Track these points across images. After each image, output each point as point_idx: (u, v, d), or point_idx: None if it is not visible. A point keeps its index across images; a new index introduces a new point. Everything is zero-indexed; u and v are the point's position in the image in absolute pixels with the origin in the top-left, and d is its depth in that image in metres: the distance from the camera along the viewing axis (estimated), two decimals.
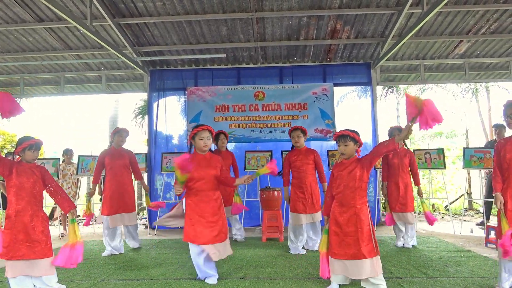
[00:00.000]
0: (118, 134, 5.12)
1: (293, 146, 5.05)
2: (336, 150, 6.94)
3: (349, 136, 3.16)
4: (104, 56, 7.37)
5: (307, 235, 4.98)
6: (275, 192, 5.69)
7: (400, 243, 5.10)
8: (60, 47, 7.09)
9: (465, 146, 8.94)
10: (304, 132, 4.92)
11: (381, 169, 6.38)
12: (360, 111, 7.69)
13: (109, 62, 7.67)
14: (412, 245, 5.07)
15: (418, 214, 7.22)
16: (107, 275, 3.93)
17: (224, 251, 3.58)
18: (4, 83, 8.55)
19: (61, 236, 6.71)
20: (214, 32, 6.69)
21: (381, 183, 5.29)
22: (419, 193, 5.10)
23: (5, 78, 8.26)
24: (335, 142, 7.15)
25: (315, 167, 4.97)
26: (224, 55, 7.14)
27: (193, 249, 3.52)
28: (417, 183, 5.10)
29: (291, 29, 6.66)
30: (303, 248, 4.91)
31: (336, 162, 4.82)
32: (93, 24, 5.68)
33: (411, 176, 5.10)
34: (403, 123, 14.83)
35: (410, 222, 4.97)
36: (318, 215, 4.88)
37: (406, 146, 5.23)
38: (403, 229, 5.07)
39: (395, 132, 4.98)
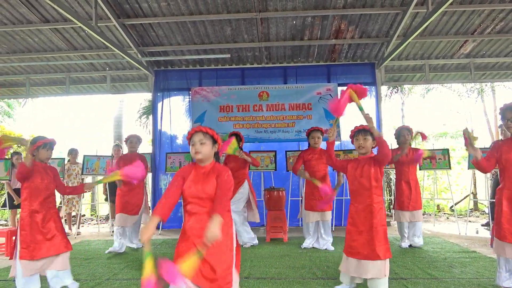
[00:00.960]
0: (128, 141, 5.34)
1: (309, 145, 5.11)
2: (341, 150, 6.94)
3: (369, 131, 3.15)
4: (109, 56, 7.40)
5: (318, 235, 5.06)
6: (279, 192, 5.69)
7: (405, 244, 5.07)
8: (65, 48, 7.14)
9: None
10: (323, 133, 5.02)
11: (385, 169, 6.37)
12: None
13: (114, 62, 7.71)
14: (420, 245, 5.05)
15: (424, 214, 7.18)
16: (112, 274, 3.96)
17: None
18: (10, 83, 8.62)
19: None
20: (219, 32, 6.70)
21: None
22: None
23: (11, 79, 8.32)
24: (339, 142, 7.22)
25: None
26: (228, 55, 7.15)
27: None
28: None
29: (295, 29, 6.65)
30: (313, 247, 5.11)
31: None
32: (98, 24, 5.70)
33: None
34: (407, 123, 14.78)
35: (420, 220, 5.01)
36: (328, 214, 4.96)
37: (412, 145, 5.17)
38: (406, 230, 5.07)
39: (403, 132, 4.98)
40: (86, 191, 3.67)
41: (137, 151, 5.48)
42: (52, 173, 3.49)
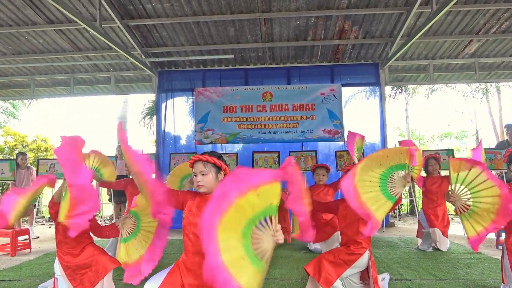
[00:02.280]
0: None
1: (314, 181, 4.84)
2: (344, 150, 6.92)
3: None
4: (113, 57, 7.43)
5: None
6: (283, 193, 5.67)
7: (427, 248, 4.90)
8: (69, 49, 7.18)
9: (475, 147, 8.79)
10: (328, 170, 4.71)
11: None
12: (368, 111, 7.65)
13: (118, 63, 7.74)
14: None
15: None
16: (115, 275, 3.95)
17: None
18: (15, 84, 8.67)
19: None
20: (222, 33, 6.71)
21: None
22: None
23: (16, 80, 8.37)
24: (343, 143, 7.19)
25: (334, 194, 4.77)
26: (232, 56, 7.15)
27: None
28: None
29: (298, 30, 6.64)
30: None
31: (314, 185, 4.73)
32: (102, 25, 5.73)
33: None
34: (411, 124, 14.72)
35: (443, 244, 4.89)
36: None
37: (439, 173, 5.06)
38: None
39: (431, 161, 4.90)
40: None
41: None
42: None
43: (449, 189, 3.03)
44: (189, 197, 2.19)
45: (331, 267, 2.76)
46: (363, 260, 2.86)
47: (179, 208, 2.18)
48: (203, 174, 2.15)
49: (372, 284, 2.83)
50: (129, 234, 2.67)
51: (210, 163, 2.16)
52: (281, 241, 1.65)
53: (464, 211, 2.88)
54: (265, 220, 1.56)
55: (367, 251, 2.88)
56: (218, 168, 2.18)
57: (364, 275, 2.99)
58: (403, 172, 2.65)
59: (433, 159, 4.95)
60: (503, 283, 3.08)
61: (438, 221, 4.83)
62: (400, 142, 3.32)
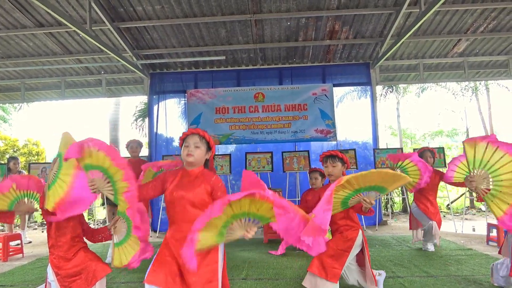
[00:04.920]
0: (129, 146, 5.36)
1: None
2: (337, 150, 6.96)
3: (337, 157, 2.97)
4: (104, 60, 7.40)
5: None
6: (276, 193, 5.69)
7: (431, 247, 4.83)
8: (60, 52, 7.13)
9: None
10: (322, 175, 4.51)
11: (382, 168, 6.35)
12: (360, 111, 7.71)
13: (109, 65, 7.71)
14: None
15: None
16: (109, 278, 3.95)
17: None
18: (5, 88, 8.59)
19: None
20: (213, 35, 6.72)
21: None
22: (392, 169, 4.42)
23: (6, 83, 8.29)
24: (335, 142, 7.24)
25: None
26: (224, 57, 7.17)
27: None
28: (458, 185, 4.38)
29: (289, 31, 6.68)
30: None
31: (309, 189, 4.64)
32: (92, 28, 5.70)
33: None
34: (403, 123, 14.83)
35: (436, 237, 4.76)
36: None
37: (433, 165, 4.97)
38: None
39: (426, 154, 4.86)
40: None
41: (139, 156, 5.48)
42: None
43: (469, 175, 3.00)
44: (169, 179, 2.34)
45: (333, 261, 2.79)
46: (359, 240, 2.91)
47: (161, 194, 2.37)
48: (196, 147, 2.31)
49: (367, 263, 2.90)
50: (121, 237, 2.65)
51: (205, 139, 2.37)
52: (249, 236, 1.98)
53: (485, 193, 2.85)
54: (249, 220, 1.99)
55: (360, 231, 2.93)
56: (209, 148, 2.39)
57: (360, 259, 3.04)
58: (373, 193, 2.60)
59: (428, 152, 4.89)
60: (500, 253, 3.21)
61: (434, 213, 4.75)
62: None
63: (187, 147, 2.31)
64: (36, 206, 2.75)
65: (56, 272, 2.62)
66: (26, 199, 2.70)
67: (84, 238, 2.84)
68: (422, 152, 4.91)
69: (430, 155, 4.90)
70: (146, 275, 2.24)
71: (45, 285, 2.81)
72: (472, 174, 2.99)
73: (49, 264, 2.69)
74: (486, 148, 2.83)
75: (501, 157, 2.74)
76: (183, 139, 2.38)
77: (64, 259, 2.64)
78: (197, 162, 2.34)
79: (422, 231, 4.90)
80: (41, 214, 2.70)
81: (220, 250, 2.26)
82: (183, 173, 2.36)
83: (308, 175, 4.76)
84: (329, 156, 2.99)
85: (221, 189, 2.29)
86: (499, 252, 3.32)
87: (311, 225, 2.11)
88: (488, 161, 2.83)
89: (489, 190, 2.84)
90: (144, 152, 9.05)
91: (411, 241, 5.16)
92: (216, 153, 7.39)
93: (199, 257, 2.04)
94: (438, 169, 5.06)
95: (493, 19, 6.45)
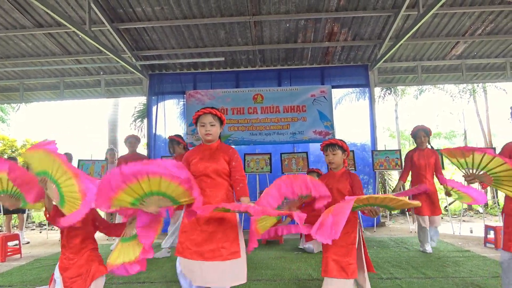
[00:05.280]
0: (128, 141, 5.67)
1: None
2: None
3: (337, 145, 3.02)
4: (103, 60, 7.40)
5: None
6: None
7: (429, 248, 4.75)
8: (59, 52, 7.13)
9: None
10: (320, 175, 4.36)
11: (380, 170, 6.35)
12: (358, 112, 7.73)
13: (108, 66, 7.71)
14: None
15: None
16: (108, 278, 3.94)
17: (215, 275, 2.53)
18: (4, 88, 8.58)
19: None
20: (212, 36, 6.74)
21: (399, 181, 4.99)
22: (447, 193, 4.20)
23: (4, 84, 8.29)
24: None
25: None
26: (223, 59, 7.18)
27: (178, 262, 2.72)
28: (443, 181, 4.35)
29: (288, 32, 6.70)
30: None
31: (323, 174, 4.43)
32: (92, 29, 5.71)
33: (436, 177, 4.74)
34: (401, 125, 14.88)
35: (438, 225, 4.77)
36: None
37: (431, 146, 4.88)
38: (431, 232, 4.80)
39: (419, 133, 4.71)
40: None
41: (136, 151, 5.78)
42: None
43: (465, 175, 2.81)
44: (191, 156, 2.75)
45: (348, 258, 2.78)
46: (360, 232, 2.92)
47: None
48: (212, 125, 2.70)
49: (363, 256, 2.88)
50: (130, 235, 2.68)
51: (218, 116, 2.72)
52: (158, 211, 2.31)
53: (490, 182, 2.68)
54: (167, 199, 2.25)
55: (358, 224, 2.92)
56: (221, 122, 2.77)
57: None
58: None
59: (422, 131, 4.72)
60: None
61: (427, 203, 4.58)
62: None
63: (204, 126, 2.69)
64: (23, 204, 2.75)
65: (62, 272, 2.64)
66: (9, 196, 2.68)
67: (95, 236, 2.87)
68: (416, 132, 4.74)
69: (424, 134, 4.73)
70: (176, 249, 2.67)
71: (50, 280, 2.82)
72: (468, 173, 2.76)
73: (58, 262, 2.71)
74: (473, 154, 2.63)
75: (491, 160, 2.57)
76: (196, 118, 2.72)
77: (71, 260, 2.65)
78: (215, 138, 2.76)
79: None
80: (47, 218, 2.69)
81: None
82: (204, 148, 2.77)
83: (322, 148, 4.74)
84: (329, 145, 3.04)
85: (236, 159, 2.74)
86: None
87: (326, 226, 2.24)
88: (480, 163, 2.64)
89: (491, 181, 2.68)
90: (143, 152, 9.04)
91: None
92: None
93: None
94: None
95: (490, 22, 6.48)
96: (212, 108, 2.73)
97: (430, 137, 4.88)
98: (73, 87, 8.50)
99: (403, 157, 6.02)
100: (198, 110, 2.73)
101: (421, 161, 4.75)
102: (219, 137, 2.82)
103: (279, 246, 5.48)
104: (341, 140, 3.09)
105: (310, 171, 4.82)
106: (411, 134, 4.90)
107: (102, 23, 6.09)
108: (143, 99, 11.28)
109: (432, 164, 4.74)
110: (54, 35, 6.59)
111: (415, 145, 4.95)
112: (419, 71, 7.68)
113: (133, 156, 5.45)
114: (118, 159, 6.01)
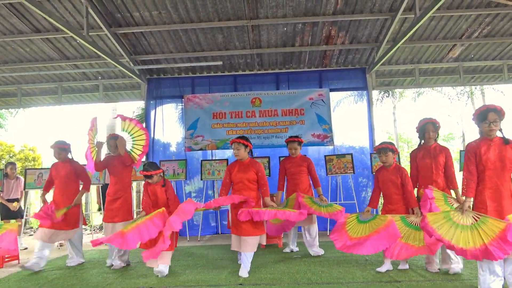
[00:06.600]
0: (108, 143, 5.22)
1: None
2: (334, 154, 7.00)
3: (388, 148, 4.08)
4: (101, 65, 7.40)
5: (305, 238, 5.07)
6: (273, 198, 5.70)
7: (454, 268, 3.87)
8: (57, 57, 7.13)
9: (462, 149, 8.98)
10: (300, 143, 5.28)
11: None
12: (356, 115, 7.73)
13: (106, 71, 7.71)
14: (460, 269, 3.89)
15: None
16: (106, 284, 3.93)
17: (242, 244, 4.08)
18: (2, 93, 8.57)
19: (60, 246, 6.68)
20: (210, 40, 6.75)
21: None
22: (458, 200, 3.73)
23: (2, 89, 8.27)
24: (332, 147, 7.25)
25: (308, 173, 5.15)
26: (221, 63, 7.19)
27: None
28: (454, 186, 3.91)
29: (286, 36, 6.72)
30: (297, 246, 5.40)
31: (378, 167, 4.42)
32: (89, 34, 5.72)
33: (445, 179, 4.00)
34: (399, 127, 14.91)
35: None
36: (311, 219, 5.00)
37: (437, 141, 4.16)
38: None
39: (428, 127, 4.03)
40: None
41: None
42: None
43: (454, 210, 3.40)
44: (232, 169, 4.33)
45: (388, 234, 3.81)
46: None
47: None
48: (238, 149, 4.22)
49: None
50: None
51: (241, 143, 4.23)
52: None
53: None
54: None
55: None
56: (246, 146, 4.27)
57: None
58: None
59: (431, 124, 4.03)
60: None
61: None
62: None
63: (233, 150, 4.28)
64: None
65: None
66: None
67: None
68: (423, 125, 4.07)
69: (433, 129, 4.03)
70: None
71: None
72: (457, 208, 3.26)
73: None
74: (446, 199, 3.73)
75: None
76: (231, 144, 4.33)
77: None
78: (243, 157, 4.29)
79: None
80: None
81: None
82: (240, 163, 4.30)
83: (287, 143, 5.38)
84: (381, 149, 4.12)
85: (261, 171, 4.26)
86: None
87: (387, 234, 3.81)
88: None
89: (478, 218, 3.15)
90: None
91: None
92: (213, 158, 7.41)
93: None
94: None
95: (487, 25, 6.51)
96: (238, 137, 4.26)
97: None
98: (71, 92, 8.50)
99: (401, 160, 6.03)
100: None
101: (427, 160, 3.99)
102: (251, 154, 4.43)
103: (278, 249, 5.46)
104: (391, 143, 4.13)
105: (290, 141, 5.22)
106: (417, 128, 4.15)
107: (99, 28, 6.09)
108: (141, 104, 11.27)
109: (442, 163, 3.95)
110: (52, 40, 6.59)
111: (423, 142, 4.16)
112: (416, 73, 7.70)
113: (117, 157, 5.00)
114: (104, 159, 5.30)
